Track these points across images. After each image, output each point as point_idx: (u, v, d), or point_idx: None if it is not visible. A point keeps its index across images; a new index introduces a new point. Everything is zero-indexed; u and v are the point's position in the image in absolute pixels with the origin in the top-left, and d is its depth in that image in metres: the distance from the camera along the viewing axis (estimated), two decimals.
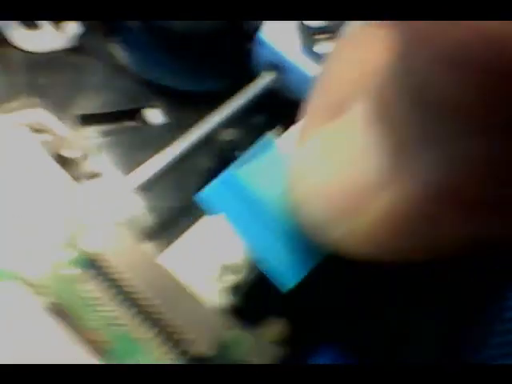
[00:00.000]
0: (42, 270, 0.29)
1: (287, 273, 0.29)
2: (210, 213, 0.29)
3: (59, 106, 0.37)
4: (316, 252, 0.29)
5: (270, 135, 0.31)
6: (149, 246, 0.30)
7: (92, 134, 0.37)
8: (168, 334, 0.29)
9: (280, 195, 0.30)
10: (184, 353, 0.29)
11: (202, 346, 0.28)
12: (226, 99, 0.37)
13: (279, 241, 0.29)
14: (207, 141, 0.37)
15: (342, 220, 0.26)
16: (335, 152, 0.27)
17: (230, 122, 0.37)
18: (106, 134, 0.38)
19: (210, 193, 0.30)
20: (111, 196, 0.32)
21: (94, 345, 0.28)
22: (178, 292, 0.29)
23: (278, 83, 0.39)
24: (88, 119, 0.38)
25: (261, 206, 0.29)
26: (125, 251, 0.29)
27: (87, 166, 0.33)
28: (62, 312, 0.28)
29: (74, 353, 0.27)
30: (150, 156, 0.36)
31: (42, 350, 0.26)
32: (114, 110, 0.39)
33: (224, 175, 0.30)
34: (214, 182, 0.30)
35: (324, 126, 0.28)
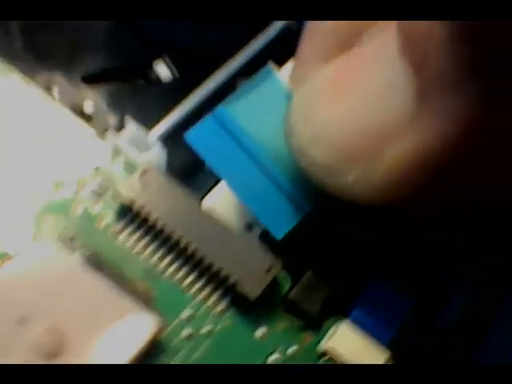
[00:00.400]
0: (77, 222, 0.27)
1: (278, 221, 0.28)
2: (199, 153, 0.27)
3: (65, 65, 0.36)
4: (308, 199, 0.28)
5: (270, 66, 0.29)
6: (184, 191, 0.28)
7: (102, 92, 0.36)
8: (212, 277, 0.28)
9: (277, 134, 0.28)
10: (228, 294, 0.28)
11: (246, 287, 0.27)
12: (237, 50, 0.36)
13: (270, 186, 0.28)
14: (224, 91, 0.36)
15: (356, 165, 0.25)
16: (349, 87, 0.25)
17: (245, 72, 0.36)
18: (117, 92, 0.37)
19: (199, 130, 0.28)
20: (136, 147, 0.30)
21: (138, 295, 0.27)
22: (219, 234, 0.28)
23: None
24: (95, 78, 0.37)
25: (253, 145, 0.28)
26: (161, 197, 0.28)
27: (106, 121, 0.32)
28: (101, 264, 0.27)
29: (120, 304, 0.25)
30: (165, 111, 0.35)
31: (88, 304, 0.25)
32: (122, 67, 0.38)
33: (215, 111, 0.28)
34: (205, 119, 0.28)
35: (335, 58, 0.26)
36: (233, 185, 0.28)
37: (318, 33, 0.27)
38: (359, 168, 0.24)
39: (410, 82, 0.23)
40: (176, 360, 0.26)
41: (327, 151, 0.25)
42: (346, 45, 0.26)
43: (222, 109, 0.28)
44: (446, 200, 0.25)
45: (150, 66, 0.38)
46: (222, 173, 0.28)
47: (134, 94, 0.37)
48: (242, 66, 0.37)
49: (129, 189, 0.28)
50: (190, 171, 0.33)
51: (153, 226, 0.28)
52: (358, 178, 0.25)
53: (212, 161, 0.27)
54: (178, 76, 0.38)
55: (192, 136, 0.27)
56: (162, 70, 0.38)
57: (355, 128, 0.24)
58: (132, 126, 0.31)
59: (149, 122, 0.33)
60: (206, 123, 0.28)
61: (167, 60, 0.39)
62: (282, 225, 0.28)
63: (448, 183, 0.23)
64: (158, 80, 0.38)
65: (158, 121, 0.35)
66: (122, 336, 0.25)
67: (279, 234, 0.28)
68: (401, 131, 0.23)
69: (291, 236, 0.28)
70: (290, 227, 0.28)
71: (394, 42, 0.23)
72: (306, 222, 0.28)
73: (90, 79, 0.35)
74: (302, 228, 0.28)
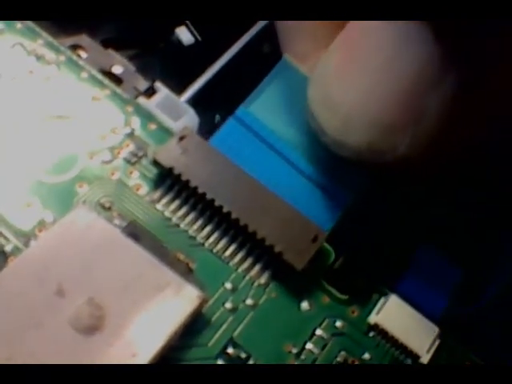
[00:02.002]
0: (113, 190, 0.26)
1: (321, 217, 0.27)
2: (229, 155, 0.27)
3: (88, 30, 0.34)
4: (347, 189, 0.27)
5: (286, 57, 0.28)
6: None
7: (129, 56, 0.34)
8: (254, 246, 0.26)
9: (302, 125, 0.27)
10: (271, 265, 0.27)
11: (292, 256, 0.26)
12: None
13: (304, 181, 0.27)
14: (250, 53, 0.35)
15: (404, 131, 0.23)
16: (360, 57, 0.24)
17: (269, 35, 0.35)
18: (144, 57, 0.35)
19: (223, 134, 0.27)
20: (168, 112, 0.29)
21: (178, 266, 0.25)
22: (263, 202, 0.26)
23: None
24: (116, 42, 0.35)
25: (279, 142, 0.27)
26: (200, 163, 0.26)
27: (136, 86, 0.30)
28: (139, 235, 0.25)
29: (159, 276, 0.24)
30: (190, 75, 0.34)
31: (127, 276, 0.24)
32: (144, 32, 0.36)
33: (235, 113, 0.27)
34: (227, 122, 0.27)
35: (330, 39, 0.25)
36: (268, 184, 0.27)
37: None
38: (407, 132, 0.23)
39: (426, 31, 0.22)
40: (219, 334, 0.25)
41: (366, 133, 0.24)
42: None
43: (241, 109, 0.27)
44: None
45: (171, 31, 0.37)
46: (254, 173, 0.27)
47: (159, 58, 0.36)
48: (265, 30, 0.35)
49: (166, 155, 0.26)
50: None
51: (192, 194, 0.26)
52: (411, 143, 0.23)
53: (242, 163, 0.27)
54: (200, 40, 0.36)
55: (217, 141, 0.27)
56: (185, 35, 0.36)
57: (384, 96, 0.23)
58: (163, 91, 0.30)
59: (175, 87, 0.32)
60: (228, 126, 0.27)
61: (189, 25, 0.37)
62: (327, 218, 0.27)
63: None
64: (180, 44, 0.36)
65: (184, 85, 0.33)
66: (162, 310, 0.24)
67: (327, 226, 0.27)
68: (432, 79, 0.22)
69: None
70: (335, 220, 0.27)
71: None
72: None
73: (111, 43, 0.34)
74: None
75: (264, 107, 0.28)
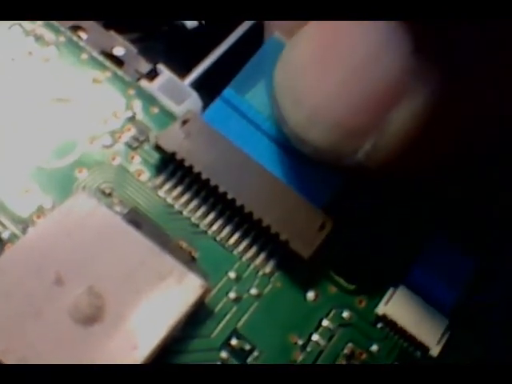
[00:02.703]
0: (114, 176, 0.25)
1: (315, 191, 0.26)
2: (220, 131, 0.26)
3: None
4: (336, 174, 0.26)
5: (276, 35, 0.27)
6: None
7: (131, 39, 0.33)
8: (259, 234, 0.25)
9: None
10: (276, 253, 0.26)
11: (298, 245, 0.25)
12: None
13: (292, 163, 0.26)
14: (255, 35, 0.34)
15: (364, 138, 0.23)
16: (334, 55, 0.23)
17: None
18: (146, 39, 0.34)
19: (212, 112, 0.27)
20: (171, 96, 0.28)
21: (180, 255, 0.24)
22: (269, 188, 0.25)
23: None
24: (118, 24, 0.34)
25: (266, 122, 0.26)
26: (204, 148, 0.25)
27: (137, 68, 0.29)
28: (141, 221, 0.24)
29: (161, 265, 0.23)
30: (193, 58, 0.33)
31: (127, 264, 0.23)
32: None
33: (222, 93, 0.27)
34: (215, 101, 0.27)
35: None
36: (260, 160, 0.26)
37: None
38: (369, 140, 0.22)
39: (404, 38, 0.21)
40: (222, 324, 0.24)
41: (328, 133, 0.23)
42: None
43: (228, 90, 0.27)
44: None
45: None
46: (245, 149, 0.26)
47: (162, 42, 0.35)
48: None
49: (169, 139, 0.25)
50: None
51: (195, 180, 0.26)
52: (370, 151, 0.23)
53: (232, 139, 0.26)
54: (204, 23, 0.35)
55: (207, 117, 0.26)
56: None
57: (353, 99, 0.22)
58: (166, 74, 0.29)
59: (178, 70, 0.31)
60: (215, 106, 0.27)
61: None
62: (319, 196, 0.26)
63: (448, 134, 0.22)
64: (183, 27, 0.35)
65: (188, 69, 0.32)
66: (164, 299, 0.23)
67: (318, 203, 0.26)
68: (406, 90, 0.21)
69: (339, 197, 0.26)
70: (328, 198, 0.26)
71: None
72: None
73: (113, 26, 0.33)
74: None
75: (251, 87, 0.27)
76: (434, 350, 0.25)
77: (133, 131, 0.26)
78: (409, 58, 0.21)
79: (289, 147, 0.26)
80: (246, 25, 0.34)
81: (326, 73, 0.22)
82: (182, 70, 0.32)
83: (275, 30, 0.26)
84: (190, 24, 0.35)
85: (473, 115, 0.21)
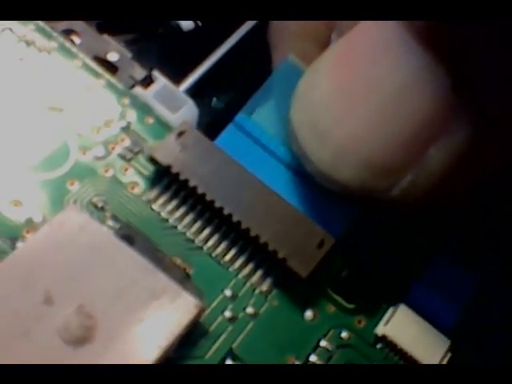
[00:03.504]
0: (107, 189, 0.24)
1: (328, 226, 0.25)
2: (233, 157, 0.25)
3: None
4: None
5: (291, 58, 0.26)
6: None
7: (125, 43, 0.32)
8: (256, 251, 0.25)
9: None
10: (273, 271, 0.25)
11: (296, 263, 0.24)
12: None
13: (307, 190, 0.26)
14: (253, 40, 0.33)
15: (400, 175, 0.22)
16: (362, 86, 0.21)
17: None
18: (141, 42, 0.33)
19: (226, 138, 0.26)
20: (166, 104, 0.27)
21: (175, 272, 0.24)
22: (267, 204, 0.24)
23: None
24: (112, 26, 0.33)
25: (280, 148, 0.26)
26: (200, 161, 0.24)
27: (132, 74, 0.29)
28: (133, 237, 0.24)
29: (154, 283, 0.22)
30: (189, 62, 0.32)
31: (119, 282, 0.22)
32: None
33: (235, 118, 0.26)
34: (227, 128, 0.26)
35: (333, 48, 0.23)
36: (275, 187, 0.25)
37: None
38: (406, 178, 0.21)
39: (441, 71, 0.20)
40: (217, 344, 0.23)
41: (359, 171, 0.22)
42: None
43: (241, 115, 0.26)
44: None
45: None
46: (258, 176, 0.25)
47: (157, 44, 0.34)
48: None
49: (164, 152, 0.24)
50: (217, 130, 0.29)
51: (191, 194, 0.25)
52: (408, 187, 0.22)
53: (246, 165, 0.25)
54: (200, 25, 0.34)
55: (220, 144, 0.25)
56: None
57: (386, 134, 0.21)
58: (161, 81, 0.28)
59: (174, 75, 0.30)
60: (227, 133, 0.26)
61: None
62: (334, 226, 0.25)
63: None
64: (179, 29, 0.34)
65: (183, 74, 0.31)
66: (157, 319, 0.22)
67: (334, 234, 0.25)
68: (445, 125, 0.20)
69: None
70: (343, 229, 0.25)
71: (404, 34, 0.20)
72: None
73: (107, 28, 0.32)
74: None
75: (265, 112, 0.26)
76: None
77: (127, 142, 0.25)
78: (448, 92, 0.20)
79: (305, 174, 0.25)
80: (244, 28, 0.33)
81: (352, 107, 0.21)
82: (177, 74, 0.31)
83: (287, 52, 0.25)
84: (186, 26, 0.35)
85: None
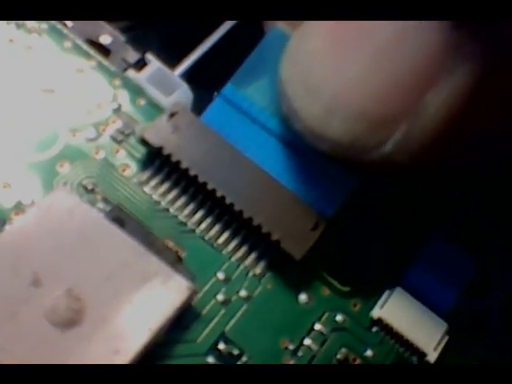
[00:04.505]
0: (98, 171, 0.24)
1: (321, 202, 0.24)
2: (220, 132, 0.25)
3: None
4: (350, 175, 0.25)
5: (279, 27, 0.25)
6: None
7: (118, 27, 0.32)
8: (250, 234, 0.24)
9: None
10: (267, 254, 0.25)
11: (290, 245, 0.24)
12: None
13: (300, 165, 0.25)
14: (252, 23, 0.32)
15: (394, 127, 0.21)
16: (358, 35, 0.20)
17: None
18: (135, 27, 0.33)
19: (213, 112, 0.25)
20: (159, 87, 0.27)
21: (166, 255, 0.23)
22: (261, 186, 0.24)
23: None
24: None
25: (270, 120, 0.25)
26: (193, 142, 0.24)
27: (125, 57, 0.28)
28: (125, 219, 0.23)
29: (146, 265, 0.22)
30: (185, 47, 0.31)
31: (110, 265, 0.22)
32: None
33: (221, 90, 0.25)
34: (214, 100, 0.25)
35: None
36: (266, 162, 0.24)
37: None
38: (399, 129, 0.20)
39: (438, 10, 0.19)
40: (210, 328, 0.23)
41: (351, 124, 0.21)
42: None
43: (229, 87, 0.25)
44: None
45: None
46: (247, 152, 0.24)
47: (152, 30, 0.34)
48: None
49: (155, 132, 0.24)
50: None
51: (183, 176, 0.24)
52: (401, 141, 0.21)
53: (235, 141, 0.24)
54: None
55: (207, 119, 0.25)
56: None
57: (380, 83, 0.20)
58: (155, 64, 0.28)
59: (168, 60, 0.29)
60: (215, 106, 0.25)
61: None
62: (328, 204, 0.25)
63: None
64: None
65: (179, 59, 0.31)
66: (148, 302, 0.22)
67: (328, 212, 0.24)
68: (443, 68, 0.19)
69: None
70: (337, 206, 0.24)
71: None
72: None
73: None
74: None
75: (254, 83, 0.25)
76: (431, 356, 0.24)
77: (118, 124, 0.25)
78: (445, 32, 0.19)
79: (298, 147, 0.24)
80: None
81: (345, 57, 0.20)
82: (172, 61, 0.31)
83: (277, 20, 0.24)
84: None
85: None
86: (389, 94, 0.20)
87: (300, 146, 0.24)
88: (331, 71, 0.21)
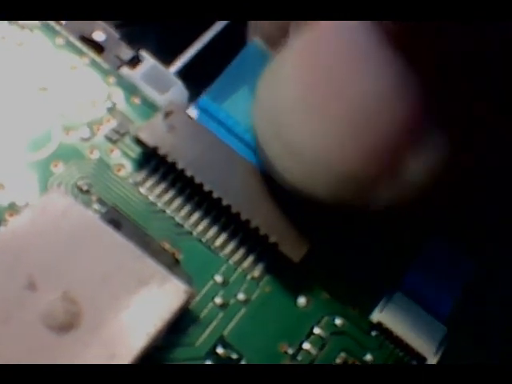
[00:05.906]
0: (92, 171, 0.23)
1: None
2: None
3: None
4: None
5: (255, 41, 0.25)
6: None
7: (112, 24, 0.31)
8: (248, 236, 0.24)
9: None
10: (265, 256, 0.24)
11: (288, 247, 0.23)
12: None
13: None
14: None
15: (375, 186, 0.21)
16: (334, 93, 0.20)
17: None
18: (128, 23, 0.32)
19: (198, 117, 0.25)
20: (154, 85, 0.26)
21: (163, 257, 0.23)
22: (258, 187, 0.24)
23: None
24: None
25: (243, 131, 0.25)
26: (189, 142, 0.23)
27: (119, 54, 0.28)
28: (120, 221, 0.23)
29: (142, 268, 0.21)
30: (180, 45, 0.31)
31: (106, 268, 0.21)
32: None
33: (197, 101, 0.25)
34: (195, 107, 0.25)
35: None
36: None
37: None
38: (384, 190, 0.21)
39: (420, 79, 0.19)
40: (208, 332, 0.23)
41: (335, 186, 0.21)
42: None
43: (204, 98, 0.25)
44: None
45: None
46: None
47: (148, 27, 0.33)
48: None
49: (150, 132, 0.23)
50: None
51: (179, 177, 0.24)
52: (388, 201, 0.21)
53: None
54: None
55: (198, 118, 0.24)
56: None
57: (361, 145, 0.20)
58: (149, 61, 0.27)
59: (164, 58, 0.29)
60: (197, 112, 0.25)
61: None
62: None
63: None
64: None
65: (174, 56, 0.30)
66: (145, 306, 0.21)
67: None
68: (423, 135, 0.19)
69: None
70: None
71: (381, 38, 0.19)
72: None
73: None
74: None
75: (230, 96, 0.25)
76: (431, 360, 0.24)
77: (113, 123, 0.25)
78: (424, 99, 0.19)
79: None
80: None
81: (321, 117, 0.20)
82: (168, 58, 0.30)
83: (255, 35, 0.24)
84: None
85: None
86: (369, 158, 0.20)
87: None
88: (309, 127, 0.20)
